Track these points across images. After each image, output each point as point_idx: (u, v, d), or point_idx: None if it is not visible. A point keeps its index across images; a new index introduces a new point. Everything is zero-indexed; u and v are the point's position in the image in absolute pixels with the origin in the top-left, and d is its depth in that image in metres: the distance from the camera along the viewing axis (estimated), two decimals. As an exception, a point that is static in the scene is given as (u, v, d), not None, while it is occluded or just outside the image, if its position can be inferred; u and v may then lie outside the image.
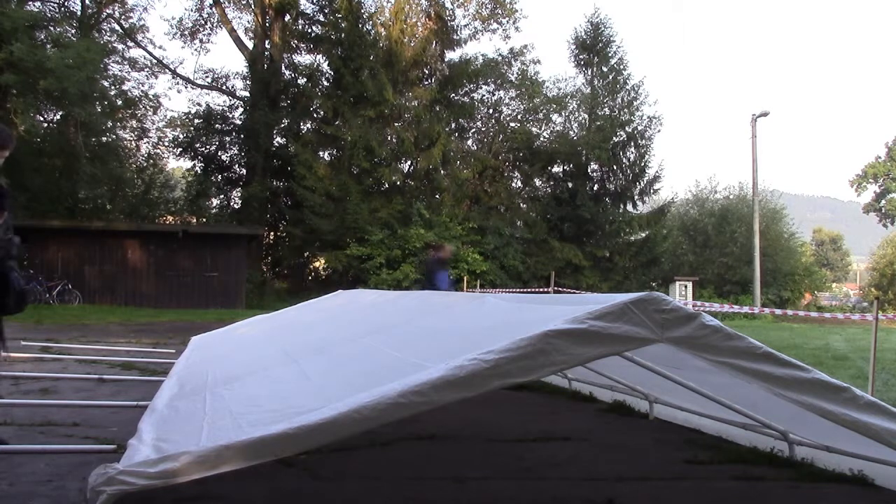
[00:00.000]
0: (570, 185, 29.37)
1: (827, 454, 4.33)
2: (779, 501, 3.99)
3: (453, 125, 29.11)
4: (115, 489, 2.72)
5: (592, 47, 29.36)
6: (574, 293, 15.04)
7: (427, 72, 28.27)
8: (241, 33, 30.31)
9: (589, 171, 29.38)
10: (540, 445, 5.03)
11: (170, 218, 28.17)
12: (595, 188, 29.55)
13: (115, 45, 27.47)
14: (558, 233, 28.30)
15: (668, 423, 5.78)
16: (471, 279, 24.19)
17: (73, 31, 24.47)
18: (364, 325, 5.59)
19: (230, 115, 29.90)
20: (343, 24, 27.43)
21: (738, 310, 19.02)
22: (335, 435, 2.85)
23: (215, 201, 30.53)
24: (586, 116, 29.78)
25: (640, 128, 29.36)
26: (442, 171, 27.34)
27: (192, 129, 29.49)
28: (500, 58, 29.66)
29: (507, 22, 29.67)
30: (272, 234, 30.41)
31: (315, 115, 29.28)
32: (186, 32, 30.70)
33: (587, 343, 3.02)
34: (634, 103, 29.50)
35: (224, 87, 30.87)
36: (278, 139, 29.51)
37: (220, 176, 30.24)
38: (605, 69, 29.51)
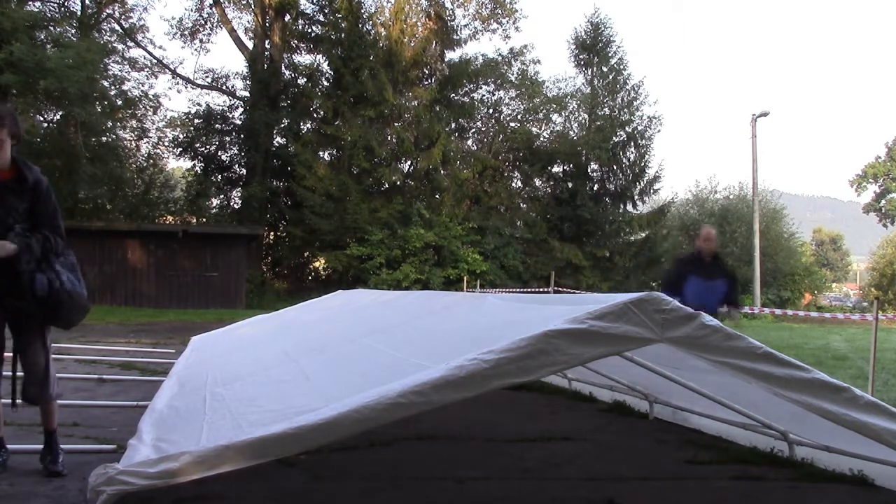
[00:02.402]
0: (570, 185, 29.34)
1: (827, 454, 4.33)
2: (779, 501, 3.99)
3: (453, 125, 29.05)
4: (115, 489, 2.72)
5: (592, 47, 29.33)
6: (574, 293, 15.03)
7: (427, 72, 28.23)
8: (241, 33, 30.24)
9: (589, 171, 29.33)
10: (540, 445, 5.03)
11: (170, 218, 28.07)
12: (595, 188, 29.51)
13: (115, 45, 27.33)
14: (558, 233, 28.28)
15: (668, 423, 5.79)
16: (471, 279, 24.22)
17: (73, 31, 24.39)
18: (364, 325, 5.58)
19: (230, 115, 29.82)
20: (343, 24, 27.40)
21: (737, 310, 18.98)
22: (335, 435, 2.85)
23: (215, 201, 30.44)
24: (586, 116, 29.75)
25: (640, 128, 29.31)
26: (442, 171, 27.30)
27: (192, 129, 29.41)
28: (500, 58, 29.58)
29: (507, 22, 29.60)
30: (272, 234, 30.36)
31: (315, 115, 29.23)
32: (186, 32, 30.61)
33: (587, 343, 3.02)
34: (634, 103, 29.46)
35: (224, 87, 30.81)
36: (278, 139, 29.45)
37: (220, 176, 30.16)
38: (605, 69, 29.48)
